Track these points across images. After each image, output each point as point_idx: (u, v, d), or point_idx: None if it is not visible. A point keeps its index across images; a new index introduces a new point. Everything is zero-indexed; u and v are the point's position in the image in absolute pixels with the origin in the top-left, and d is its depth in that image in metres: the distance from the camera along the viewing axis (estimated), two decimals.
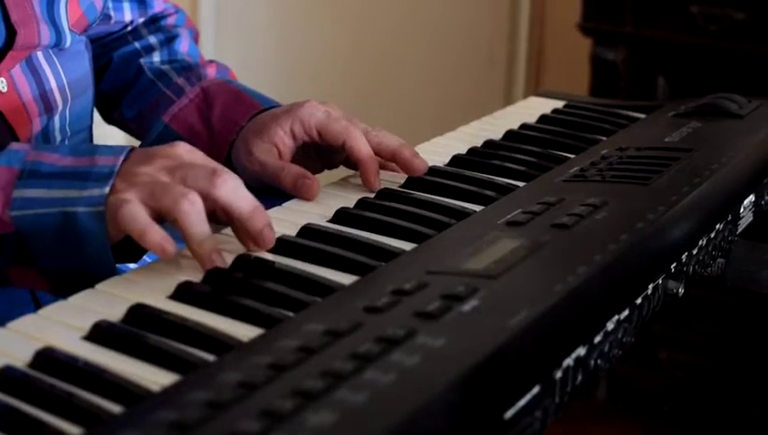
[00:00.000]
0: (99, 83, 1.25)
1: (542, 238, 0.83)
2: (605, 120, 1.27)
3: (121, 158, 0.85)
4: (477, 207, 0.96)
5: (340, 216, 0.95)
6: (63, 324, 0.74)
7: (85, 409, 0.64)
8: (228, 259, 0.84)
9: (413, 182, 1.04)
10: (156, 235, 0.80)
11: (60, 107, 1.09)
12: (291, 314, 0.75)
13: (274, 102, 1.12)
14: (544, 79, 3.01)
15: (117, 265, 0.85)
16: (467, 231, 0.89)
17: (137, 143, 1.19)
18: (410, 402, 0.58)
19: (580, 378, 0.75)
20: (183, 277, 0.81)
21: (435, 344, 0.65)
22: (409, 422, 0.57)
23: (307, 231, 0.90)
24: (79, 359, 0.69)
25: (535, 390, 0.69)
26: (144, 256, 0.92)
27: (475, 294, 0.72)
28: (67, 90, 1.10)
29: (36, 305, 1.02)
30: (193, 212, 0.81)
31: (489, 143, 1.17)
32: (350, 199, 0.99)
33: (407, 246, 0.88)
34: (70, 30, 1.09)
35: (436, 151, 1.14)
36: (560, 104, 1.36)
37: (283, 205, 0.99)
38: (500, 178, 1.05)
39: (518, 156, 1.12)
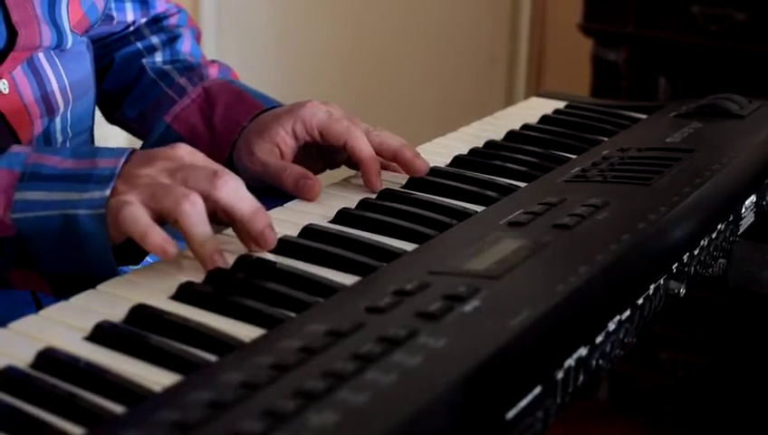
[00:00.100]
0: (101, 83, 1.25)
1: (543, 239, 0.84)
2: (606, 121, 1.27)
3: (122, 160, 0.85)
4: (479, 208, 0.96)
5: (342, 216, 0.95)
6: (65, 325, 0.74)
7: (87, 409, 0.64)
8: (230, 260, 0.84)
9: (414, 183, 1.04)
10: (157, 236, 0.80)
11: (61, 108, 1.09)
12: (292, 314, 0.75)
13: (276, 102, 1.12)
14: (545, 79, 3.01)
15: (118, 268, 0.85)
16: (469, 232, 0.89)
17: (139, 143, 1.19)
18: (412, 403, 0.58)
19: (581, 378, 0.75)
20: (184, 278, 0.81)
21: (436, 345, 0.65)
22: (411, 423, 0.57)
23: (309, 232, 0.90)
24: (80, 359, 0.69)
25: (537, 390, 0.69)
26: (147, 258, 0.92)
27: (476, 295, 0.72)
28: (68, 91, 1.10)
29: (37, 306, 1.02)
30: (194, 213, 0.81)
31: (490, 144, 1.17)
32: (351, 200, 0.99)
33: (408, 246, 0.88)
34: (71, 31, 1.09)
35: (438, 152, 1.14)
36: (561, 105, 1.36)
37: (285, 205, 0.99)
38: (501, 179, 1.05)
39: (519, 156, 1.12)
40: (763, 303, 2.24)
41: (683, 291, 0.91)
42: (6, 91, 1.03)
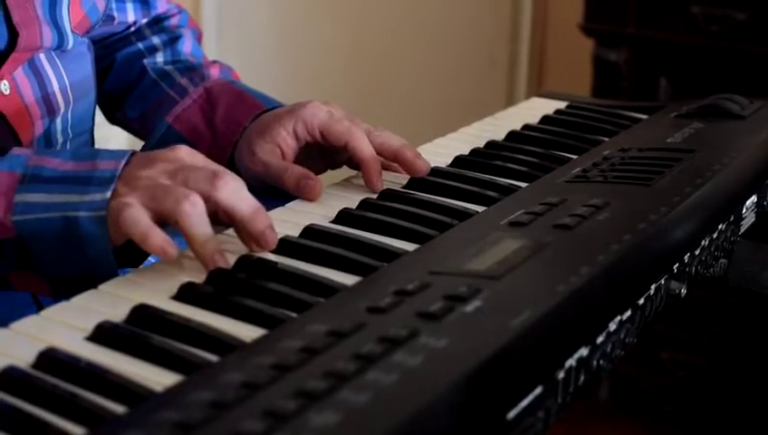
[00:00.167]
0: (102, 84, 1.25)
1: (544, 239, 0.84)
2: (607, 121, 1.27)
3: (123, 162, 0.85)
4: (480, 208, 0.96)
5: (343, 216, 0.95)
6: (66, 325, 0.74)
7: (88, 409, 0.64)
8: (231, 260, 0.84)
9: (415, 183, 1.04)
10: (157, 238, 0.80)
11: (62, 109, 1.09)
12: (294, 314, 0.75)
13: (277, 103, 1.12)
14: (546, 80, 3.01)
15: (119, 270, 0.85)
16: (470, 232, 0.89)
17: (140, 143, 1.19)
18: (413, 403, 0.58)
19: (582, 378, 0.75)
20: (186, 278, 0.81)
21: (437, 345, 0.65)
22: (412, 423, 0.57)
23: (310, 232, 0.90)
24: (82, 359, 0.69)
25: (538, 390, 0.69)
26: (149, 258, 0.92)
27: (477, 295, 0.72)
28: (69, 92, 1.10)
29: (38, 307, 1.02)
30: (194, 213, 0.81)
31: (491, 144, 1.17)
32: (352, 200, 0.99)
33: (409, 246, 0.88)
34: (72, 31, 1.09)
35: (439, 152, 1.14)
36: (562, 105, 1.36)
37: (286, 205, 0.99)
38: (502, 179, 1.05)
39: (520, 157, 1.12)
40: (764, 303, 2.24)
41: (684, 291, 0.91)
42: (7, 92, 1.03)
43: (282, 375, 0.62)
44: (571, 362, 0.73)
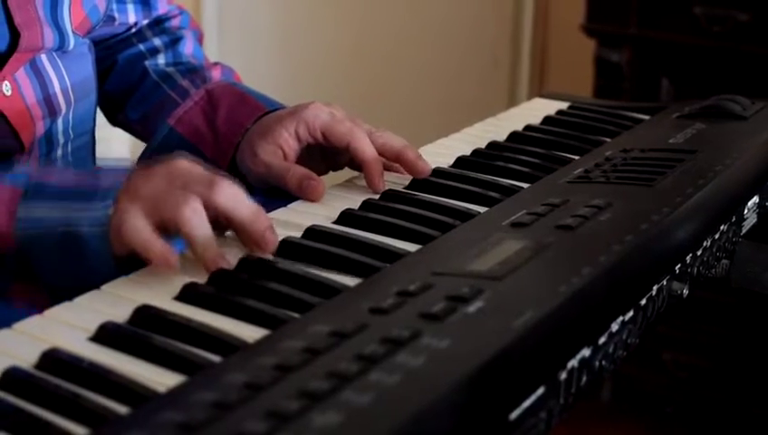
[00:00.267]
0: (103, 85, 1.25)
1: (546, 240, 0.84)
2: (609, 122, 1.27)
3: (124, 176, 0.86)
4: (482, 209, 0.96)
5: (345, 217, 0.95)
6: (69, 325, 0.74)
7: (91, 409, 0.64)
8: (233, 260, 0.84)
9: (417, 184, 1.04)
10: (159, 248, 0.81)
11: (63, 110, 1.10)
12: (296, 315, 0.75)
13: (279, 105, 1.12)
14: (548, 80, 3.01)
15: None
16: (472, 232, 0.89)
17: (141, 145, 1.19)
18: (415, 403, 0.59)
19: (584, 379, 0.75)
20: (188, 278, 0.81)
21: (440, 345, 0.65)
22: (414, 423, 0.57)
23: (312, 232, 0.90)
24: (84, 360, 0.69)
25: (540, 391, 0.69)
26: None
27: (479, 296, 0.72)
28: (70, 92, 1.10)
29: (41, 309, 1.02)
30: (195, 217, 0.82)
31: (493, 145, 1.17)
32: (354, 201, 0.99)
33: (411, 247, 0.88)
34: (73, 32, 1.09)
35: (441, 153, 1.14)
36: (564, 106, 1.36)
37: (288, 206, 0.99)
38: (504, 180, 1.05)
39: (522, 157, 1.12)
40: (766, 303, 2.23)
41: (686, 292, 0.91)
42: (9, 93, 1.03)
43: (284, 376, 0.62)
44: (573, 362, 0.73)
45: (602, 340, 0.78)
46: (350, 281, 0.81)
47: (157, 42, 1.27)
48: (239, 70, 1.29)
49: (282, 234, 0.88)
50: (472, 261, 0.80)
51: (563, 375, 0.72)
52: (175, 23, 1.30)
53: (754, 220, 1.11)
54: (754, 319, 2.33)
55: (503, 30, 3.02)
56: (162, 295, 0.79)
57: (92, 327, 0.73)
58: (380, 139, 1.05)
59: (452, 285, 0.74)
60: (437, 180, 1.04)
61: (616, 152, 1.10)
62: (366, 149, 1.03)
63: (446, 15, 3.06)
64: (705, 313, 2.34)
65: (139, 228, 0.81)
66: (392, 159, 1.05)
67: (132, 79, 1.25)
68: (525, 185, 1.04)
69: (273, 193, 1.05)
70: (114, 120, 1.29)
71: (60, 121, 1.10)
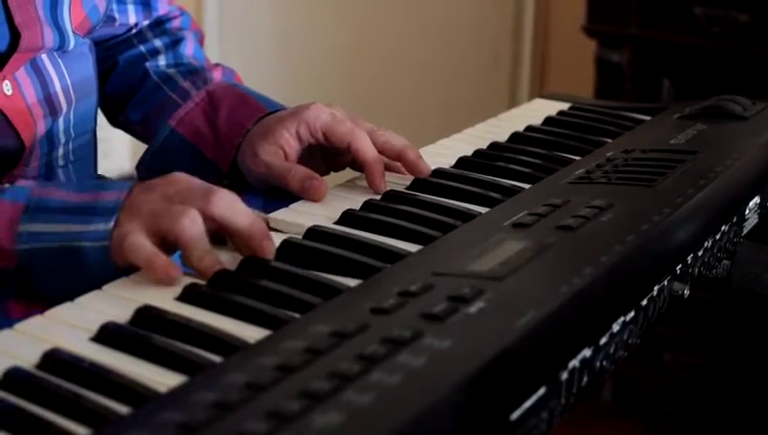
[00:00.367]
0: (104, 87, 1.25)
1: (547, 240, 0.84)
2: (610, 123, 1.27)
3: (125, 192, 0.86)
4: (483, 209, 0.96)
5: (347, 217, 0.95)
6: (70, 326, 0.74)
7: (92, 409, 0.64)
8: (234, 261, 0.84)
9: (418, 184, 1.04)
10: (161, 263, 0.81)
11: (64, 109, 1.10)
12: (297, 315, 0.75)
13: (280, 105, 1.12)
14: (549, 81, 3.01)
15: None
16: (473, 233, 0.89)
17: (142, 145, 1.19)
18: (417, 403, 0.59)
19: (585, 379, 0.75)
20: (189, 279, 0.81)
21: (441, 346, 0.65)
22: (416, 423, 0.57)
23: (313, 233, 0.90)
24: (86, 360, 0.69)
25: (541, 391, 0.69)
26: None
27: (480, 296, 0.72)
28: (71, 92, 1.10)
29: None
30: (192, 227, 0.82)
31: (494, 145, 1.17)
32: (356, 201, 0.99)
33: (413, 247, 0.88)
34: (73, 32, 1.09)
35: (442, 153, 1.14)
36: (565, 106, 1.36)
37: (289, 206, 0.99)
38: (505, 180, 1.05)
39: (523, 158, 1.12)
40: (767, 304, 2.23)
41: (687, 292, 0.91)
42: (10, 93, 1.03)
43: (285, 376, 0.62)
44: (574, 362, 0.73)
45: (603, 340, 0.78)
46: (351, 281, 0.81)
47: (157, 43, 1.27)
48: (240, 71, 1.29)
49: (283, 234, 0.88)
50: (473, 261, 0.80)
51: (564, 375, 0.72)
52: (176, 24, 1.30)
53: (755, 221, 1.11)
54: (755, 320, 2.33)
55: (503, 30, 3.02)
56: (163, 296, 0.79)
57: (94, 327, 0.73)
58: (382, 137, 1.05)
59: (453, 285, 0.74)
60: (438, 181, 1.04)
61: (617, 153, 1.10)
62: (367, 149, 1.03)
63: (446, 16, 3.06)
64: (706, 313, 2.35)
65: (141, 245, 0.81)
66: (393, 158, 1.05)
67: (133, 80, 1.25)
68: (526, 185, 1.04)
69: (273, 193, 1.05)
70: (115, 122, 1.29)
71: (61, 121, 1.10)
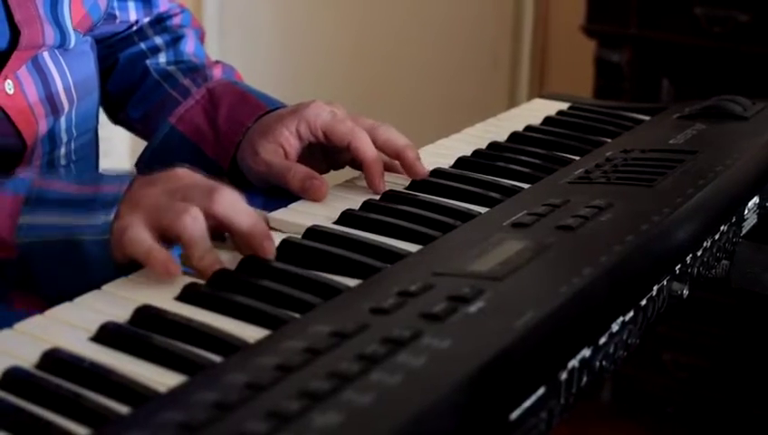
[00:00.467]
0: (105, 84, 1.26)
1: (547, 240, 0.84)
2: (610, 123, 1.27)
3: (125, 185, 0.86)
4: (482, 209, 0.96)
5: (346, 217, 0.95)
6: (70, 325, 0.74)
7: (92, 409, 0.64)
8: (234, 260, 0.84)
9: (418, 184, 1.04)
10: (160, 257, 0.81)
11: (66, 108, 1.10)
12: (297, 315, 0.75)
13: (280, 103, 1.12)
14: (548, 81, 3.01)
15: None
16: (473, 233, 0.89)
17: (142, 144, 1.19)
18: (416, 403, 0.59)
19: (585, 379, 0.76)
20: (189, 279, 0.81)
21: (441, 345, 0.65)
22: (415, 423, 0.57)
23: (312, 233, 0.90)
24: (85, 360, 0.69)
25: (541, 391, 0.69)
26: None
27: (480, 296, 0.72)
28: (73, 91, 1.10)
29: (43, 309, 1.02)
30: (194, 225, 0.82)
31: (494, 145, 1.17)
32: (355, 201, 0.99)
33: (412, 247, 0.88)
34: (74, 30, 1.09)
35: (441, 153, 1.14)
36: (564, 106, 1.36)
37: (289, 206, 0.99)
38: (505, 180, 1.05)
39: (523, 158, 1.12)
40: (766, 304, 2.24)
41: (686, 292, 0.91)
42: (11, 92, 1.03)
43: (285, 376, 0.62)
44: (573, 362, 0.73)
45: (603, 340, 0.78)
46: (350, 281, 0.81)
47: (158, 40, 1.27)
48: (240, 69, 1.29)
49: (282, 234, 0.88)
50: (473, 261, 0.80)
51: (564, 375, 0.72)
52: (176, 21, 1.30)
53: (755, 221, 1.11)
54: (754, 320, 2.33)
55: (503, 30, 3.02)
56: (163, 295, 0.79)
57: (93, 327, 0.73)
58: (383, 135, 1.05)
59: (453, 285, 0.74)
60: (438, 181, 1.04)
61: (616, 153, 1.10)
62: (367, 149, 1.03)
63: (446, 16, 3.06)
64: (706, 313, 2.35)
65: (141, 238, 0.81)
66: (393, 156, 1.05)
67: (133, 78, 1.25)
68: (526, 185, 1.04)
69: (274, 192, 1.05)
70: (115, 119, 1.29)
71: (62, 120, 1.10)
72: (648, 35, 2.34)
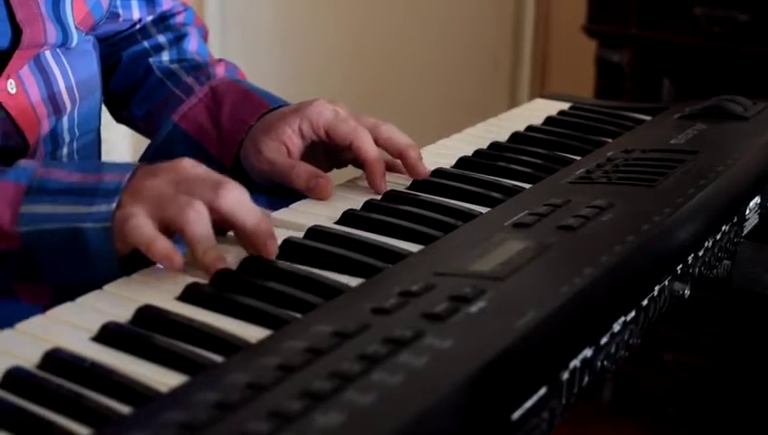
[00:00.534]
0: (108, 83, 1.26)
1: (548, 240, 0.84)
2: (611, 123, 1.27)
3: (128, 174, 0.86)
4: (484, 209, 0.96)
5: (347, 217, 0.95)
6: (72, 325, 0.74)
7: (93, 409, 0.64)
8: (235, 260, 0.84)
9: (419, 184, 1.04)
10: (162, 246, 0.81)
11: (68, 108, 1.10)
12: (298, 315, 0.75)
13: (283, 102, 1.12)
14: (549, 81, 3.01)
15: None
16: (474, 233, 0.89)
17: (146, 142, 1.19)
18: (418, 403, 0.59)
19: (586, 379, 0.76)
20: (190, 279, 0.81)
21: (442, 345, 0.65)
22: (417, 423, 0.57)
23: (314, 233, 0.90)
24: (87, 360, 0.69)
25: (542, 391, 0.69)
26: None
27: (482, 296, 0.72)
28: (75, 90, 1.10)
29: (45, 309, 1.02)
30: (198, 221, 0.82)
31: (495, 145, 1.17)
32: (357, 201, 0.99)
33: (414, 247, 0.88)
34: (76, 28, 1.09)
35: (442, 153, 1.14)
36: (565, 106, 1.36)
37: (290, 206, 0.99)
38: (506, 180, 1.05)
39: (524, 158, 1.12)
40: (767, 304, 2.24)
41: (687, 292, 0.91)
42: (14, 91, 1.03)
43: (287, 376, 0.62)
44: (575, 362, 0.73)
45: (604, 340, 0.78)
46: (352, 281, 0.81)
47: (161, 39, 1.27)
48: (241, 68, 1.29)
49: (284, 234, 0.88)
50: (474, 261, 0.80)
51: (565, 375, 0.72)
52: (179, 19, 1.30)
53: (756, 221, 1.11)
54: (756, 320, 2.33)
55: (504, 31, 3.02)
56: (164, 295, 0.79)
57: (95, 327, 0.73)
58: (385, 133, 1.05)
59: (454, 285, 0.74)
60: (439, 181, 1.04)
61: (617, 153, 1.10)
62: (368, 149, 1.03)
63: (446, 16, 3.06)
64: (707, 313, 2.35)
65: (143, 227, 0.81)
66: (395, 155, 1.05)
67: (136, 76, 1.25)
68: (527, 185, 1.04)
69: (277, 191, 1.05)
70: (118, 118, 1.29)
71: (65, 120, 1.10)
72: (648, 35, 2.34)
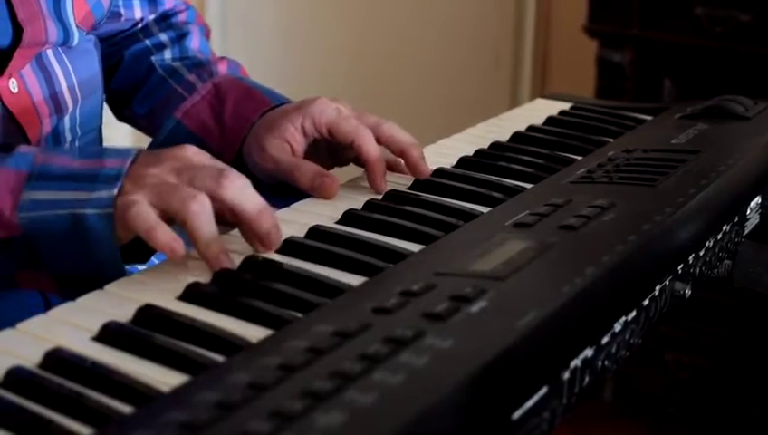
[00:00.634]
0: (110, 82, 1.26)
1: (549, 240, 0.84)
2: (612, 122, 1.27)
3: (129, 160, 0.85)
4: (485, 209, 0.96)
5: (348, 217, 0.95)
6: (73, 325, 0.74)
7: (94, 409, 0.64)
8: (236, 260, 0.84)
9: (420, 184, 1.04)
10: (164, 234, 0.80)
11: (70, 107, 1.10)
12: (299, 315, 0.75)
13: (285, 99, 1.12)
14: (550, 81, 3.01)
15: (126, 267, 0.85)
16: (475, 233, 0.89)
17: (147, 140, 1.19)
18: (419, 403, 0.59)
19: (587, 379, 0.76)
20: (192, 278, 0.81)
21: (443, 345, 0.65)
22: (418, 423, 0.57)
23: (315, 232, 0.90)
24: (88, 359, 0.69)
25: (543, 391, 0.69)
26: (152, 258, 0.92)
27: (482, 296, 0.72)
28: (77, 90, 1.10)
29: (47, 308, 1.02)
30: (201, 213, 0.81)
31: (496, 145, 1.17)
32: (358, 201, 0.99)
33: (415, 247, 0.88)
34: (77, 27, 1.09)
35: (443, 153, 1.14)
36: (566, 106, 1.36)
37: (291, 206, 0.99)
38: (507, 180, 1.05)
39: (525, 157, 1.12)
40: None
41: (688, 292, 0.91)
42: (16, 90, 1.03)
43: (288, 376, 0.62)
44: (576, 362, 0.73)
45: (605, 340, 0.78)
46: (353, 281, 0.81)
47: (163, 37, 1.27)
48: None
49: (285, 233, 0.88)
50: (475, 261, 0.80)
51: (566, 375, 0.72)
52: (181, 18, 1.30)
53: (757, 221, 1.11)
54: (756, 320, 2.33)
55: (505, 30, 3.02)
56: (165, 295, 0.79)
57: (96, 327, 0.73)
58: (388, 131, 1.05)
59: (455, 285, 0.74)
60: (440, 181, 1.04)
61: (618, 153, 1.10)
62: (370, 148, 1.03)
63: (448, 15, 3.06)
64: (708, 313, 2.35)
65: (145, 215, 0.81)
66: (397, 154, 1.05)
67: (139, 74, 1.25)
68: (528, 185, 1.04)
69: (278, 189, 1.05)
70: (121, 116, 1.29)
71: (67, 119, 1.10)
72: (649, 35, 2.34)
